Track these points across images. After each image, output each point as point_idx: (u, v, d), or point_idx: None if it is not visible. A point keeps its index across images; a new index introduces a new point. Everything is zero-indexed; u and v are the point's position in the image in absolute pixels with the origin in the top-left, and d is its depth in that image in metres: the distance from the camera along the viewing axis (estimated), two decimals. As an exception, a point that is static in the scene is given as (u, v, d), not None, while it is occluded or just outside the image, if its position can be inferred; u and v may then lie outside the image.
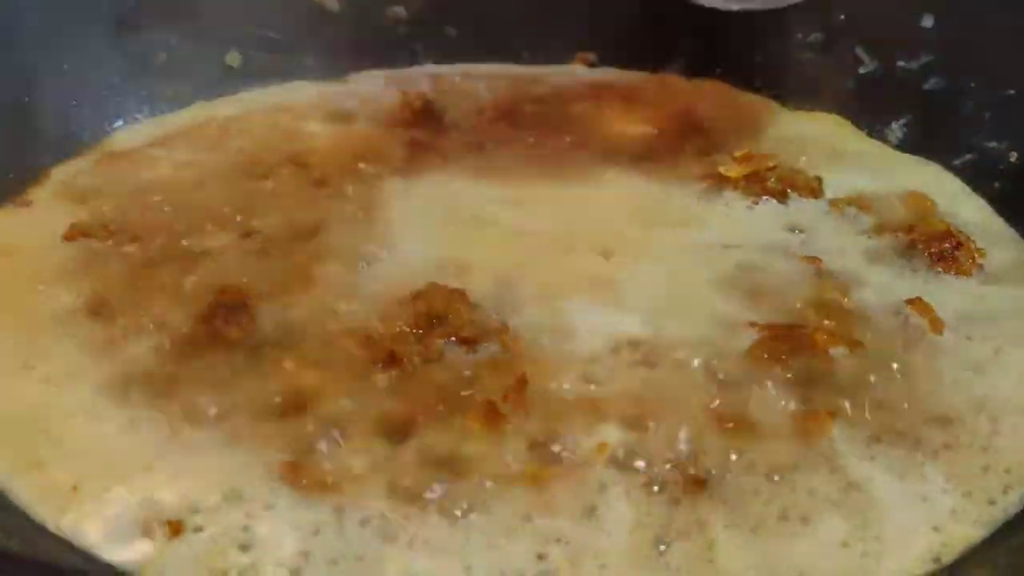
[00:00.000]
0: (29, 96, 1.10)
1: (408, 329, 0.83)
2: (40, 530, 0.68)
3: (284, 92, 1.26)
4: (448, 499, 0.70)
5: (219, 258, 0.92)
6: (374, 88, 1.28)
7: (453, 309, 0.84)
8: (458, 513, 0.69)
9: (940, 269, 0.94)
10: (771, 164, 1.04)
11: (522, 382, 0.76)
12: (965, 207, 1.06)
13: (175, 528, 0.67)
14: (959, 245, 0.95)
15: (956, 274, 0.94)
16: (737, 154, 1.05)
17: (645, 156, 1.12)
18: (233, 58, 1.27)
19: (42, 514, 0.69)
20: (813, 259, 0.94)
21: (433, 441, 0.74)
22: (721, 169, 1.04)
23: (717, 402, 0.78)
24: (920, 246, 0.96)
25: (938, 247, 0.95)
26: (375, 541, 0.67)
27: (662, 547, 0.68)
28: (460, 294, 0.86)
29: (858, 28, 1.24)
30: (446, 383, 0.78)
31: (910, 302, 0.87)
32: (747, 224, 1.01)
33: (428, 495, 0.70)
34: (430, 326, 0.83)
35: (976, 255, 0.96)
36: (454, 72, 1.32)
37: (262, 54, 1.29)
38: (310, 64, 1.31)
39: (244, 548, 0.67)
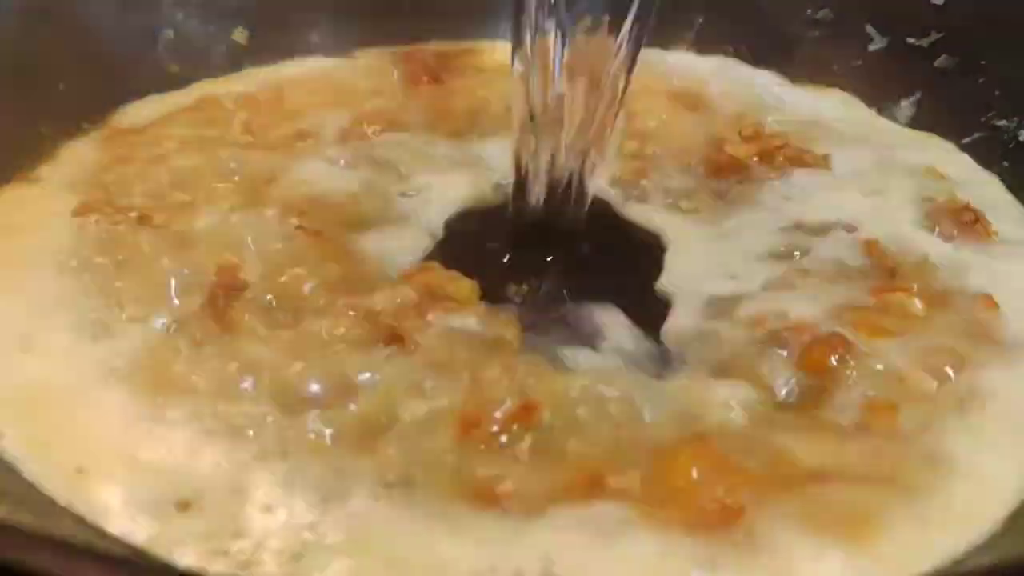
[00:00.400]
0: (35, 73, 1.10)
1: (410, 305, 0.83)
2: (49, 503, 0.69)
3: (291, 68, 1.26)
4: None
5: (226, 236, 0.91)
6: (381, 64, 1.27)
7: (454, 287, 0.84)
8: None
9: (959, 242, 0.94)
10: (779, 143, 1.04)
11: (530, 409, 0.72)
12: (976, 185, 1.06)
13: (184, 505, 0.68)
14: (977, 220, 0.96)
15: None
16: (744, 133, 1.05)
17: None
18: (240, 34, 1.27)
19: (50, 490, 0.70)
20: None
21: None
22: (729, 149, 1.04)
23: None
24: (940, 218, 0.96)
25: (958, 220, 0.96)
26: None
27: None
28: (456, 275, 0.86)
29: (868, 5, 1.23)
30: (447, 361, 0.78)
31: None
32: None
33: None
34: (432, 301, 0.83)
35: (989, 229, 0.96)
36: (459, 49, 1.32)
37: (269, 31, 1.28)
38: (316, 41, 1.31)
39: (246, 534, 0.66)
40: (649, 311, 0.88)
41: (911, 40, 1.20)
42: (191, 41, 1.24)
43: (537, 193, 0.92)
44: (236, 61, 1.26)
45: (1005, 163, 1.08)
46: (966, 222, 0.95)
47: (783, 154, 1.04)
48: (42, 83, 1.10)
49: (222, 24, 1.26)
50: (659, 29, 1.29)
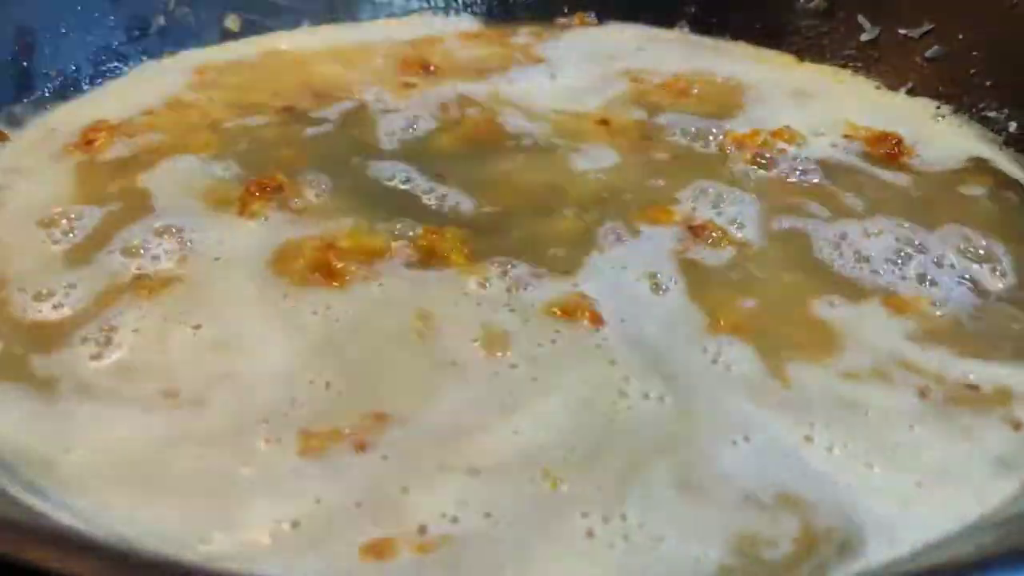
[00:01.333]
0: (28, 60, 1.10)
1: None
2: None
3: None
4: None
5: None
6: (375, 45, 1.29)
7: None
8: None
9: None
10: (761, 139, 1.04)
11: None
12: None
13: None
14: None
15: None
16: (728, 147, 1.05)
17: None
18: (232, 22, 1.27)
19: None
20: None
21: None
22: (735, 168, 1.02)
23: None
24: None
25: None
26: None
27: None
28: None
29: (860, -5, 1.24)
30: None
31: None
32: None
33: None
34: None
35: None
36: (449, 32, 1.33)
37: (261, 17, 1.29)
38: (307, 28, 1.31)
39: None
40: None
41: (902, 31, 1.20)
42: (182, 28, 1.25)
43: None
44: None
45: (999, 152, 1.09)
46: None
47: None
48: (32, 68, 1.11)
49: (213, 10, 1.27)
50: (653, 16, 1.34)
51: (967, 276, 0.87)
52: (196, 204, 0.92)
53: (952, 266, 0.88)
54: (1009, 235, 0.92)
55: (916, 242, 0.90)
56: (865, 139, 1.07)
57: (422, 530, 0.63)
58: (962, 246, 0.90)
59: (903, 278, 0.86)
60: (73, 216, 0.90)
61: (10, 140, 1.04)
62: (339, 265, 0.83)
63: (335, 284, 0.82)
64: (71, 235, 0.88)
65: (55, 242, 0.87)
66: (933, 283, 0.86)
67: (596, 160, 1.02)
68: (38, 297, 0.81)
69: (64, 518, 0.62)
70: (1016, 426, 0.73)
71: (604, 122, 1.09)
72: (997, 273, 0.88)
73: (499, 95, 1.15)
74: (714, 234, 0.90)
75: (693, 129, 1.07)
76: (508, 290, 0.82)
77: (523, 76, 1.20)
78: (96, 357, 0.75)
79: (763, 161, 1.02)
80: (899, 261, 0.88)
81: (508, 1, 1.38)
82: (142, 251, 0.85)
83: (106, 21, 1.18)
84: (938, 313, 0.83)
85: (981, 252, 0.90)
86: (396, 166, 0.98)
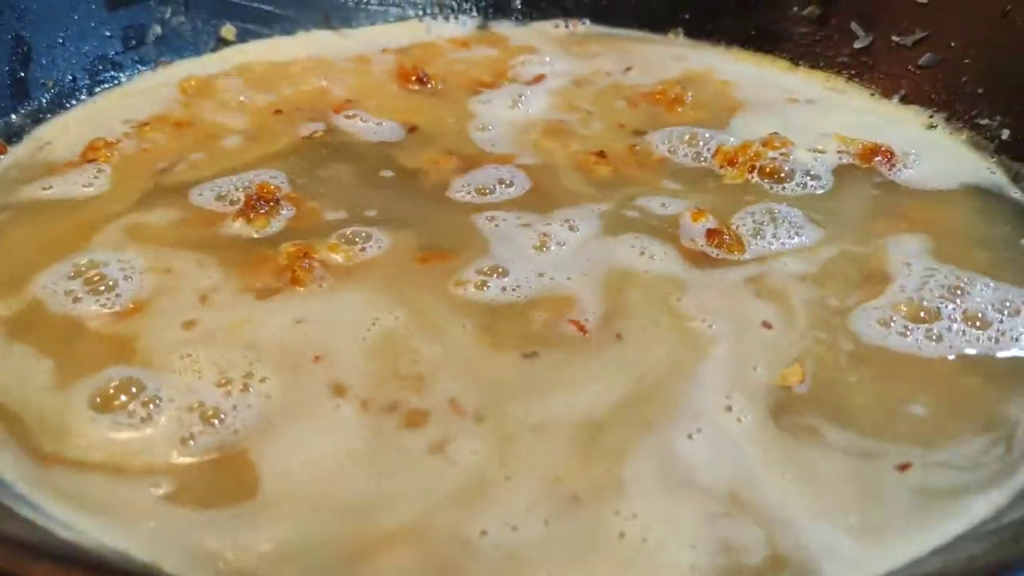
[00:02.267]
0: (25, 70, 1.10)
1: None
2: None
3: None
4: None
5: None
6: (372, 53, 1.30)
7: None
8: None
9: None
10: (752, 152, 1.04)
11: None
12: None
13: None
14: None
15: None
16: (718, 166, 1.05)
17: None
18: (228, 31, 1.28)
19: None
20: None
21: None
22: (726, 181, 1.03)
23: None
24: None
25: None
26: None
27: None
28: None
29: (854, 2, 1.24)
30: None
31: None
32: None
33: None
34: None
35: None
36: (443, 39, 1.35)
37: (257, 26, 1.29)
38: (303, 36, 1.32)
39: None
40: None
41: (895, 38, 1.20)
42: (179, 37, 1.26)
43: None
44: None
45: (992, 159, 1.09)
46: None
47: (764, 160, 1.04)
48: (29, 78, 1.12)
49: (209, 20, 1.28)
50: (646, 23, 1.35)
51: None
52: (187, 219, 0.94)
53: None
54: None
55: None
56: (857, 151, 1.07)
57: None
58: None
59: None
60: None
61: (7, 154, 1.05)
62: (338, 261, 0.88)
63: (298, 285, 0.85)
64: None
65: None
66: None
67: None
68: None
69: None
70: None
71: (601, 155, 1.06)
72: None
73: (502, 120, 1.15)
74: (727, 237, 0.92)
75: (686, 142, 1.08)
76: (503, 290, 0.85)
77: (519, 96, 1.19)
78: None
79: (759, 172, 1.03)
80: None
81: (502, 7, 1.38)
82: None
83: (102, 31, 1.19)
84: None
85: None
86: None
